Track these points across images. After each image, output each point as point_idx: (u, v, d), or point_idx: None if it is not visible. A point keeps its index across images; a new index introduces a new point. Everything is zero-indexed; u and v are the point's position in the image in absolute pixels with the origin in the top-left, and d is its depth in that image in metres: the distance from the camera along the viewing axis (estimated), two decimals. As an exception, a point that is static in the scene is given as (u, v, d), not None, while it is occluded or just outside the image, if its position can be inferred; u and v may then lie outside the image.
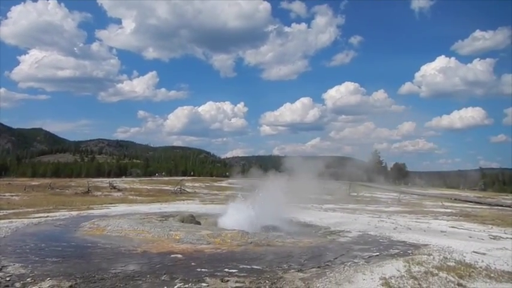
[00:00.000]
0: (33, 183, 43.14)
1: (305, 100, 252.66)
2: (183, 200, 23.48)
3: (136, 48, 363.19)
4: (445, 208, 24.40)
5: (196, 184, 52.03)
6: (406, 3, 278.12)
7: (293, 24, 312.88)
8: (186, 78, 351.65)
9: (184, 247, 8.86)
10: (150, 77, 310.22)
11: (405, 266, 7.20)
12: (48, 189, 35.35)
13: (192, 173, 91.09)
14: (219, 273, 6.64)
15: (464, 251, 8.87)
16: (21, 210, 16.51)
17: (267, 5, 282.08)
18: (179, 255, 8.03)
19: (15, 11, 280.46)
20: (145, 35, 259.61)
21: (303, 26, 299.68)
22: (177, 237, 9.82)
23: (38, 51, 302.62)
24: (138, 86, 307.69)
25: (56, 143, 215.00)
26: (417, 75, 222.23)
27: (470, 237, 11.55)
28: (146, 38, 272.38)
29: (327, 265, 7.35)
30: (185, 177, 68.08)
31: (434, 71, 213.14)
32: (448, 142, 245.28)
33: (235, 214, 12.56)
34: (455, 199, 37.10)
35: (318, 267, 7.20)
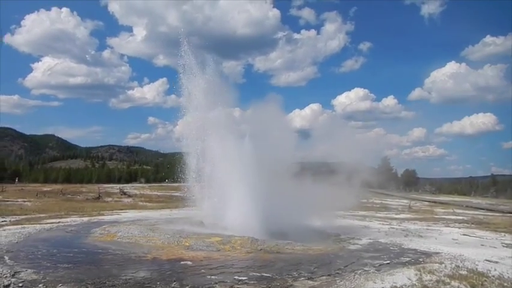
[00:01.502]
0: (45, 189, 43.58)
1: (314, 106, 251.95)
2: (193, 206, 23.46)
3: (147, 55, 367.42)
4: (456, 215, 24.12)
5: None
6: (416, 9, 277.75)
7: (302, 31, 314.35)
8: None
9: (194, 254, 8.89)
10: (161, 83, 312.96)
11: (416, 275, 7.13)
12: (59, 195, 35.65)
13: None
14: (228, 281, 6.65)
15: (476, 260, 8.77)
16: (33, 216, 16.68)
17: (276, 12, 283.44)
18: (189, 262, 8.06)
19: (29, 19, 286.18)
20: (155, 42, 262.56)
21: (313, 32, 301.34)
22: (187, 244, 9.85)
23: (51, 59, 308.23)
24: (149, 92, 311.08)
25: (67, 149, 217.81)
26: (427, 81, 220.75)
27: (483, 245, 11.41)
28: (157, 45, 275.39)
29: (337, 273, 7.31)
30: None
31: (445, 76, 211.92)
32: (459, 148, 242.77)
33: (246, 220, 12.53)
34: (467, 206, 36.59)
35: (328, 275, 7.17)
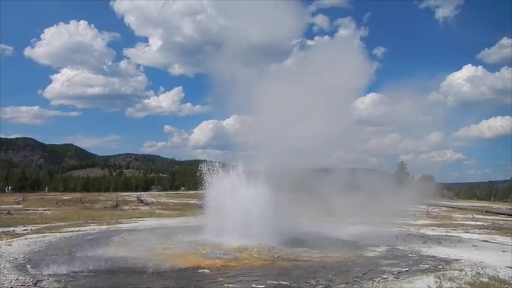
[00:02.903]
0: (65, 197, 44.24)
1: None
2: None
3: (162, 65, 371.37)
4: (476, 221, 23.61)
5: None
6: (430, 13, 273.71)
7: (316, 38, 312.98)
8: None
9: (211, 262, 8.94)
10: (176, 92, 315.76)
11: (436, 282, 7.04)
12: (78, 203, 36.12)
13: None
14: (246, 289, 6.67)
15: (497, 266, 8.60)
16: (53, 225, 16.97)
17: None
18: (206, 270, 8.11)
19: (49, 32, 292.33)
20: (171, 52, 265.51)
21: (326, 39, 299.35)
22: (204, 252, 9.91)
23: (69, 70, 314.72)
24: (164, 101, 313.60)
25: (85, 158, 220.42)
26: (443, 84, 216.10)
27: (504, 251, 11.16)
28: (172, 55, 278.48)
29: (355, 281, 7.27)
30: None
31: (461, 80, 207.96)
32: (477, 152, 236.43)
33: (263, 227, 12.51)
34: (487, 211, 35.74)
35: (346, 283, 7.13)
